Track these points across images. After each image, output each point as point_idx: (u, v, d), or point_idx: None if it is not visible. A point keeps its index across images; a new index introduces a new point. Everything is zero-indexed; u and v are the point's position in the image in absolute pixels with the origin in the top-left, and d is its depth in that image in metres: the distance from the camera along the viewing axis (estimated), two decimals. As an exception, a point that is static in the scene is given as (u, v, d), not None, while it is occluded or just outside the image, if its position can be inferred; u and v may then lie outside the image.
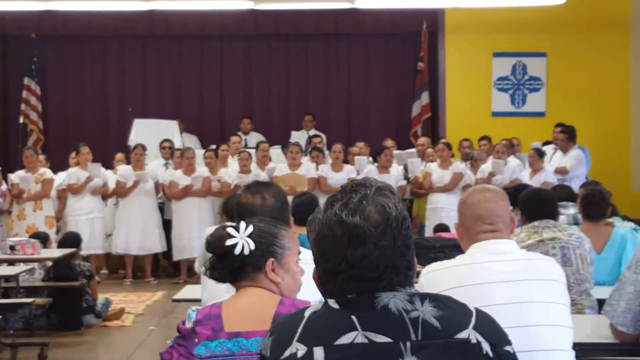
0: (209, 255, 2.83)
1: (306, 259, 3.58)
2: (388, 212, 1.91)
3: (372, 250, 1.88)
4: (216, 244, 2.81)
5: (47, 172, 11.76)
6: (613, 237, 5.72)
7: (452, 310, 1.92)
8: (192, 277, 11.70)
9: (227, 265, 2.80)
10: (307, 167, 11.84)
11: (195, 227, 11.69)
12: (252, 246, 2.79)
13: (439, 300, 1.92)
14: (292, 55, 15.32)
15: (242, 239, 2.79)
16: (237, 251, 2.78)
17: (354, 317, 1.87)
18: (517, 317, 3.09)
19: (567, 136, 12.04)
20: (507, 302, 3.17)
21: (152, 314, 9.58)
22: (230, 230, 2.80)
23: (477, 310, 1.97)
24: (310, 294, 2.99)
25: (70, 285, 8.51)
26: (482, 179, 11.49)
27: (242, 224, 2.82)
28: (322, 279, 1.95)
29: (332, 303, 1.92)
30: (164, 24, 14.62)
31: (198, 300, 5.11)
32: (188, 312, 2.83)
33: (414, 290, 1.93)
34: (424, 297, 1.91)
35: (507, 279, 3.24)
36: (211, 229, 7.12)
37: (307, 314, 1.93)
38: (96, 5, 13.27)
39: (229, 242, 2.78)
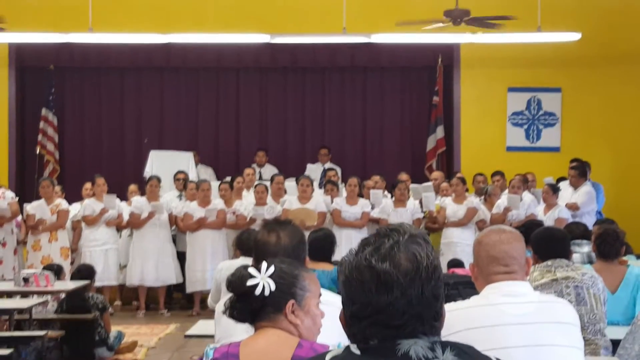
0: (223, 290, 2.84)
1: (325, 300, 3.59)
2: (418, 261, 1.91)
3: (398, 298, 1.88)
4: (237, 284, 2.79)
5: (62, 203, 11.82)
6: (627, 277, 5.69)
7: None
8: (205, 309, 11.67)
9: (247, 306, 2.79)
10: (317, 201, 11.83)
11: (208, 259, 11.69)
12: (273, 287, 2.78)
13: (460, 349, 1.92)
14: (308, 88, 15.37)
15: (263, 279, 2.77)
16: (257, 292, 2.76)
17: None
18: (530, 360, 3.08)
19: (577, 172, 12.03)
20: (521, 345, 3.17)
21: (164, 347, 9.56)
22: (252, 271, 2.79)
23: None
24: (327, 336, 2.99)
25: (83, 317, 8.50)
26: (497, 214, 11.47)
27: (264, 264, 2.81)
28: (348, 321, 1.95)
29: (354, 348, 1.92)
30: (181, 56, 14.70)
31: (211, 337, 5.11)
32: (206, 350, 2.83)
33: (436, 338, 1.92)
34: (445, 345, 1.91)
35: (521, 321, 3.23)
36: (225, 263, 7.14)
37: (328, 358, 1.93)
38: (114, 38, 13.36)
39: (250, 283, 2.76)
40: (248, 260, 4.30)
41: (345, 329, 1.97)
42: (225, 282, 2.85)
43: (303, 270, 2.92)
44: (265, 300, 2.77)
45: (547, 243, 5.10)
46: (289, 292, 2.81)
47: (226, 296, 2.91)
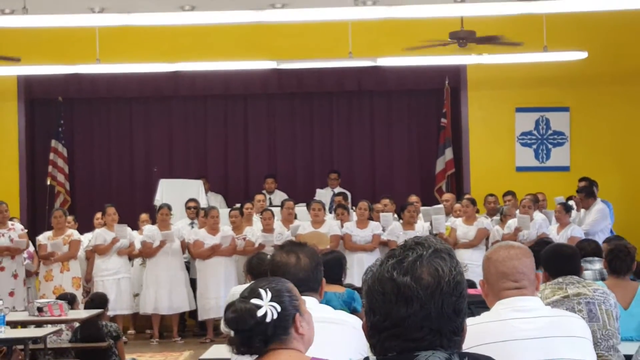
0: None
1: (337, 319, 3.58)
2: (440, 276, 1.92)
3: (417, 312, 1.90)
4: (245, 319, 2.71)
5: (74, 234, 11.88)
6: (640, 293, 5.67)
7: None
8: (218, 336, 11.69)
9: (258, 336, 2.71)
10: (330, 225, 11.87)
11: (221, 286, 11.71)
12: (279, 309, 2.75)
13: None
14: (316, 113, 15.41)
15: (267, 305, 2.73)
16: (268, 319, 2.71)
17: None
18: (543, 375, 3.08)
19: (584, 194, 12.04)
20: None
21: (178, 374, 9.56)
22: (255, 301, 2.73)
23: None
24: (339, 354, 2.99)
25: (97, 346, 8.51)
26: (508, 235, 11.46)
27: (262, 292, 2.75)
28: (369, 332, 1.97)
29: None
30: (188, 84, 14.77)
31: (225, 360, 5.12)
32: None
33: (454, 350, 1.93)
34: (462, 356, 1.92)
35: (533, 335, 3.23)
36: (238, 288, 7.14)
37: None
38: (121, 68, 13.44)
39: (260, 313, 2.71)
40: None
41: (367, 339, 1.98)
42: (226, 322, 2.76)
43: (285, 281, 2.88)
44: (275, 324, 2.73)
45: (556, 260, 5.10)
46: (292, 307, 2.79)
47: None
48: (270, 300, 2.74)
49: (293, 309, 2.79)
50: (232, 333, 2.77)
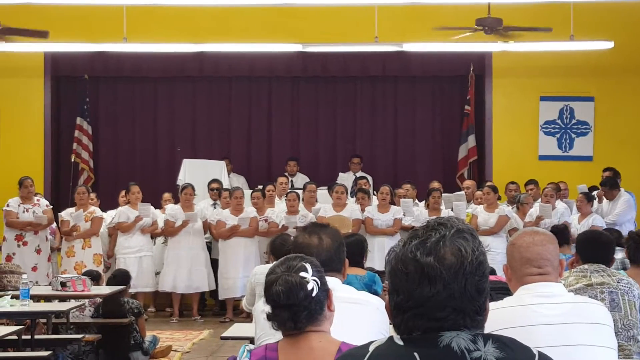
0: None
1: (362, 299, 3.60)
2: (463, 256, 1.94)
3: (440, 291, 1.91)
4: (296, 292, 2.70)
5: (96, 211, 11.97)
6: (662, 283, 5.67)
7: (514, 352, 1.93)
8: (237, 315, 11.77)
9: (305, 311, 2.70)
10: (352, 208, 11.90)
11: (241, 266, 11.78)
12: (319, 283, 2.75)
13: (501, 342, 1.93)
14: (340, 97, 15.41)
15: (311, 279, 2.72)
16: (314, 293, 2.71)
17: (416, 354, 1.90)
18: (564, 360, 3.10)
19: (608, 187, 12.00)
20: (555, 345, 3.18)
21: (198, 352, 9.63)
22: (303, 274, 2.72)
23: (540, 353, 1.98)
24: (362, 333, 3.02)
25: (118, 322, 8.59)
26: (530, 223, 11.46)
27: (307, 266, 2.74)
28: (393, 312, 1.99)
29: (397, 339, 1.95)
30: (213, 65, 14.80)
31: (246, 339, 5.18)
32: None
33: (478, 331, 1.95)
34: (487, 337, 1.93)
35: (555, 321, 3.25)
36: (260, 267, 7.20)
37: (371, 348, 1.96)
38: (147, 47, 13.49)
39: (309, 287, 2.70)
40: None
41: (390, 319, 2.01)
42: (273, 296, 2.73)
43: (313, 258, 2.87)
44: (316, 299, 2.72)
45: (591, 245, 5.09)
46: (326, 284, 2.80)
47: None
48: (312, 275, 2.74)
49: (326, 286, 2.79)
50: (267, 308, 2.74)
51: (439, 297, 1.91)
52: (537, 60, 14.08)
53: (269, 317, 2.75)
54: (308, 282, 2.71)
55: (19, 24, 12.49)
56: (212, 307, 12.95)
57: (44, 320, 8.10)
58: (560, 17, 12.54)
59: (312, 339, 2.73)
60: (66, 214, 11.90)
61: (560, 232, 7.94)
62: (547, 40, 12.59)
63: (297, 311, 2.70)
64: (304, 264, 2.76)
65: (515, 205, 12.18)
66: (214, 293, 12.52)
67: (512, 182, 12.98)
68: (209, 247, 12.47)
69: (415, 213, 11.82)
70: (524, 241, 3.44)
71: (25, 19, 12.78)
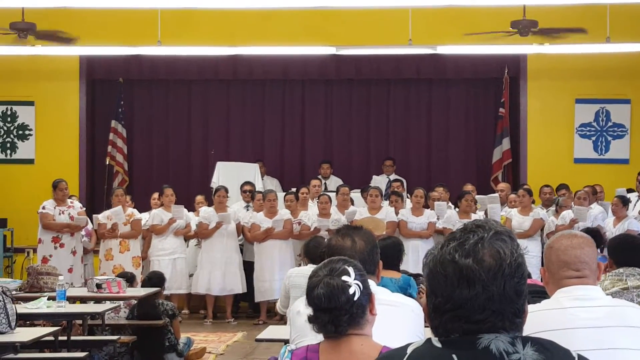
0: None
1: (397, 301, 3.58)
2: (502, 258, 1.93)
3: (479, 294, 1.91)
4: (338, 295, 2.68)
5: (135, 213, 12.07)
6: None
7: (553, 355, 1.93)
8: (271, 318, 11.79)
9: (347, 314, 2.68)
10: (387, 211, 11.89)
11: (276, 269, 11.80)
12: (362, 287, 2.73)
13: (540, 344, 1.93)
14: (373, 99, 15.40)
15: (354, 283, 2.70)
16: (356, 297, 2.69)
17: (454, 356, 1.90)
18: (602, 364, 3.07)
19: None
20: (593, 349, 3.15)
21: (232, 354, 9.66)
22: (345, 278, 2.70)
23: (580, 356, 1.97)
24: (398, 336, 3.01)
25: (153, 324, 8.63)
26: (563, 226, 11.38)
27: (349, 269, 2.72)
28: (431, 314, 1.99)
29: (435, 341, 1.95)
30: (247, 68, 14.85)
31: (281, 341, 5.18)
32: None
33: (517, 333, 1.94)
34: (526, 340, 1.93)
35: (593, 325, 3.22)
36: (294, 270, 7.20)
37: (409, 350, 1.96)
38: (181, 50, 13.56)
39: (351, 291, 2.69)
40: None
41: (428, 322, 2.01)
42: (314, 299, 2.71)
43: (354, 261, 2.85)
44: (358, 303, 2.70)
45: (624, 250, 5.05)
46: (369, 288, 2.78)
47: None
48: (354, 278, 2.72)
49: (369, 289, 2.78)
50: (309, 311, 2.72)
51: (478, 300, 1.91)
52: (572, 63, 13.99)
53: (310, 319, 2.74)
54: (350, 286, 2.70)
55: (56, 27, 12.57)
56: (246, 310, 12.97)
57: (80, 322, 8.16)
58: (596, 19, 12.45)
59: (354, 342, 2.72)
60: (103, 216, 11.99)
61: (592, 236, 7.86)
62: (582, 42, 12.50)
63: (338, 315, 2.69)
64: (347, 267, 2.74)
65: (553, 207, 12.10)
66: (246, 296, 12.54)
67: (547, 185, 12.91)
68: (241, 250, 12.50)
69: (446, 216, 11.77)
70: (562, 244, 3.41)
71: (61, 23, 12.86)
